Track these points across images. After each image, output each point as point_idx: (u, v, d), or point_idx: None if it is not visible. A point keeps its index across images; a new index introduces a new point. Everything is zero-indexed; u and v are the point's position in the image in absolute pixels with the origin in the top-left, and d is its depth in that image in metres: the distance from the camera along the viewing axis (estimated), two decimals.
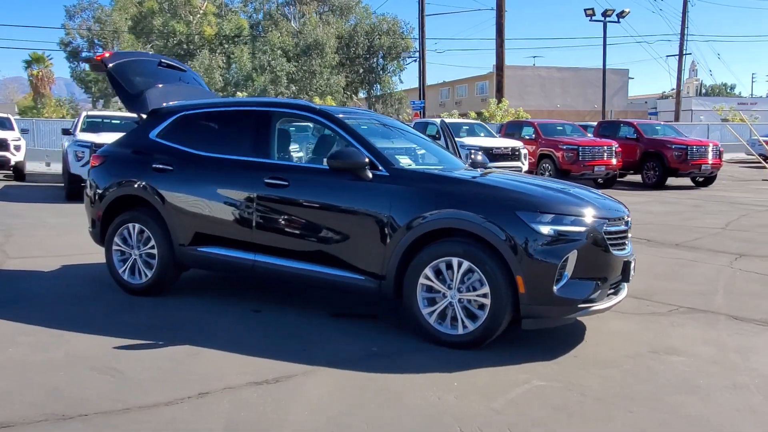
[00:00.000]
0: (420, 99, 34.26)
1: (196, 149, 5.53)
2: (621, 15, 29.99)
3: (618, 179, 17.89)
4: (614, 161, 16.75)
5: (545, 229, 4.26)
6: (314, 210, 4.90)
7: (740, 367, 4.29)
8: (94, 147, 12.42)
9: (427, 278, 4.51)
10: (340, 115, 5.23)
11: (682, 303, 5.88)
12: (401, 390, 3.74)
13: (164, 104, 6.03)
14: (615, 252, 4.54)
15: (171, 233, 5.46)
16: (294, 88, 34.37)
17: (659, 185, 17.40)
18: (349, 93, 37.99)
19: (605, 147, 16.56)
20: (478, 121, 20.21)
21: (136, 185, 5.65)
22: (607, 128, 19.42)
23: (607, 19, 29.63)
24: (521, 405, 3.58)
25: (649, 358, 4.41)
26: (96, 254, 7.40)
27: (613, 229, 4.54)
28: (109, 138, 12.71)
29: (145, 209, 5.65)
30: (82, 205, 12.56)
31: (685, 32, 43.18)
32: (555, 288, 4.25)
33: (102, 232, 5.88)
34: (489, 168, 5.83)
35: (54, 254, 7.52)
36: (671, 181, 17.88)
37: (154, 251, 5.55)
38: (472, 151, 9.53)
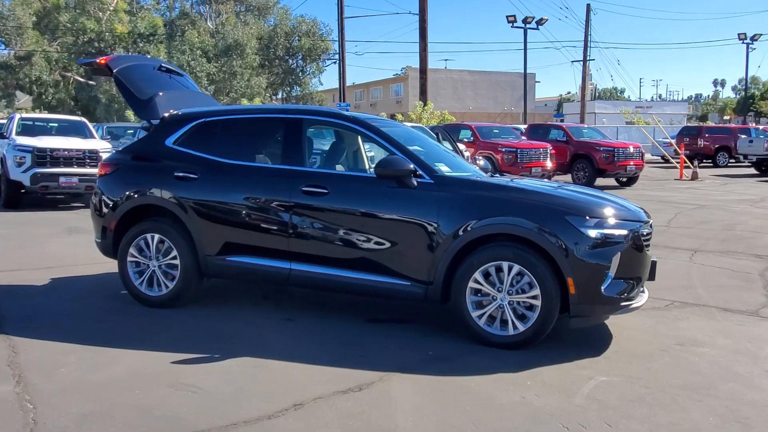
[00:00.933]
0: (342, 101, 34.39)
1: (221, 157, 5.43)
2: (540, 22, 31.41)
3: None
4: (549, 163, 17.51)
5: (593, 233, 4.51)
6: (357, 218, 4.94)
7: (760, 356, 4.69)
8: (36, 152, 11.81)
9: (477, 282, 4.66)
10: (375, 123, 5.30)
11: (673, 297, 6.32)
12: (483, 391, 3.88)
13: (172, 111, 5.88)
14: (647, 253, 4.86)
15: (196, 243, 5.34)
16: (213, 89, 33.61)
17: (588, 185, 18.32)
18: (269, 94, 37.52)
19: (541, 149, 17.29)
20: (419, 125, 20.53)
21: (156, 194, 5.48)
22: (537, 131, 20.27)
23: (528, 25, 30.95)
24: (600, 399, 3.80)
25: (680, 350, 4.75)
26: (80, 266, 7.14)
27: (645, 231, 4.86)
28: (50, 142, 12.15)
29: (165, 219, 5.49)
30: (25, 213, 11.96)
31: (589, 39, 45.55)
32: (602, 288, 4.52)
33: (114, 243, 5.66)
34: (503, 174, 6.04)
35: (32, 267, 7.13)
36: (597, 181, 18.88)
37: (176, 261, 5.40)
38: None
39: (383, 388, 3.90)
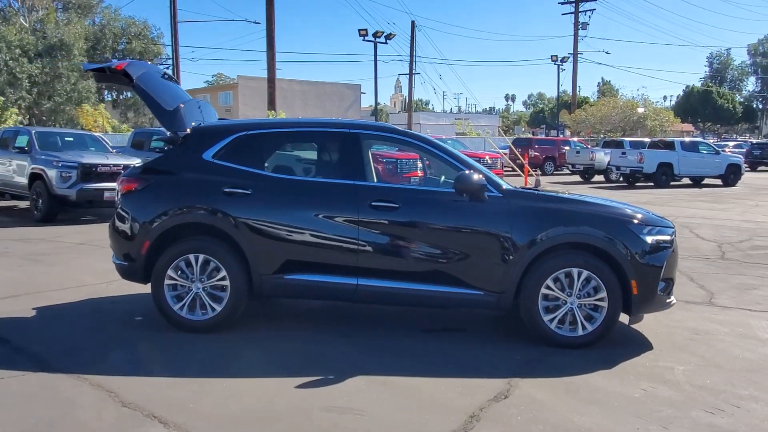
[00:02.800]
0: None
1: (273, 172, 5.24)
2: (389, 37, 32.64)
3: None
4: (420, 173, 18.33)
5: (650, 239, 5.06)
6: (430, 232, 5.04)
7: (762, 338, 5.51)
8: None
9: (548, 288, 4.99)
10: (432, 139, 5.43)
11: None
12: (607, 387, 4.21)
13: (194, 123, 5.55)
14: None
15: (250, 262, 5.10)
16: (36, 91, 30.24)
17: None
18: (97, 98, 34.65)
19: (415, 160, 18.06)
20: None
21: (202, 211, 5.13)
22: None
23: (377, 39, 31.99)
24: (702, 386, 4.30)
25: (703, 339, 5.39)
26: (49, 292, 6.45)
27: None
28: None
29: (209, 237, 5.17)
30: None
31: (414, 54, 47.90)
32: (658, 288, 5.08)
33: (147, 266, 5.20)
34: None
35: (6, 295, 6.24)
36: None
37: (225, 282, 5.11)
38: None
39: (523, 392, 4.09)
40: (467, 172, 5.05)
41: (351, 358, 4.70)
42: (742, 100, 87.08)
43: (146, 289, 5.33)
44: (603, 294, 4.97)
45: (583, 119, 45.64)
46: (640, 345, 5.19)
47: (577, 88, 48.61)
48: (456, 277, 5.05)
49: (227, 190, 5.14)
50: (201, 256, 5.12)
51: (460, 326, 5.62)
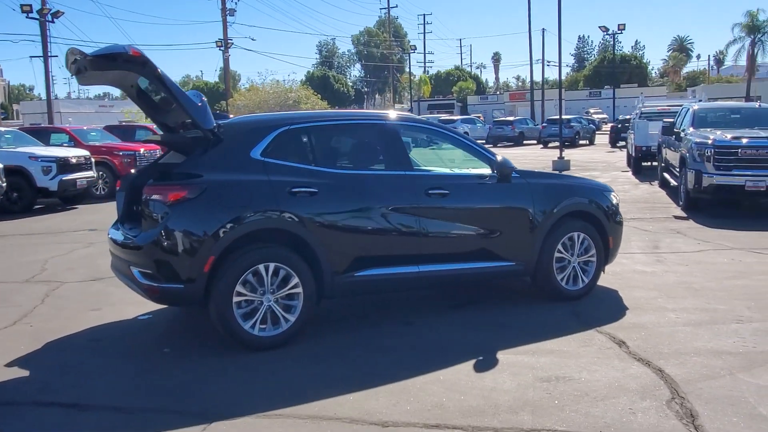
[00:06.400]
0: None
1: (330, 167, 4.95)
2: (56, 15, 28.29)
3: None
4: None
5: (615, 201, 6.26)
6: (475, 213, 5.45)
7: (680, 271, 7.15)
8: None
9: (559, 251, 5.83)
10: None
11: None
12: (664, 322, 5.24)
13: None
14: None
15: (323, 264, 4.81)
16: None
17: None
18: None
19: (156, 150, 16.82)
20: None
21: (275, 215, 4.62)
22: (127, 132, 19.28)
23: (45, 18, 27.43)
24: (718, 309, 5.64)
25: (654, 275, 6.75)
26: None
27: None
28: None
29: (276, 243, 4.70)
30: None
31: (48, 36, 42.67)
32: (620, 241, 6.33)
33: (208, 284, 4.49)
34: None
35: None
36: None
37: (298, 290, 4.74)
38: None
39: (626, 336, 4.87)
40: (504, 158, 5.55)
41: (462, 341, 4.91)
42: (351, 84, 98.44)
43: (88, 319, 4.96)
44: (593, 251, 5.98)
45: (243, 104, 46.51)
46: (605, 292, 6.33)
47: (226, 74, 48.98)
48: (495, 253, 5.54)
49: (293, 190, 4.73)
50: (272, 265, 4.64)
51: (472, 300, 6.07)
